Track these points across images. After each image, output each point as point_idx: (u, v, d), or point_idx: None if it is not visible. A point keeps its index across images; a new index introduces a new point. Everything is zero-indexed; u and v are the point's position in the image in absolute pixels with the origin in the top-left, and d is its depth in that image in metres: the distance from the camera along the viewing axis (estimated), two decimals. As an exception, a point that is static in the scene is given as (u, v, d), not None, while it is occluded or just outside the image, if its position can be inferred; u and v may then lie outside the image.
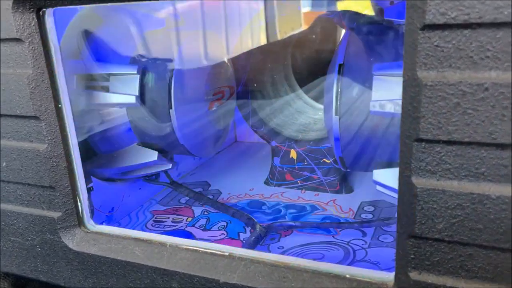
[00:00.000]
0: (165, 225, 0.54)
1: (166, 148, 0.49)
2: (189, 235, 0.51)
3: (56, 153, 0.40)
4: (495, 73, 0.24)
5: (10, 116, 0.39)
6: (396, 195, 0.37)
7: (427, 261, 0.29)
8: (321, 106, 0.67)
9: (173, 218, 0.56)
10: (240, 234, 0.51)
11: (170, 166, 0.50)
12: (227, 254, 0.37)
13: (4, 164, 0.42)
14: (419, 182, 0.27)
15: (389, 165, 0.40)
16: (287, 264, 0.35)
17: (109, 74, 0.45)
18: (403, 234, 0.29)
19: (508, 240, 0.25)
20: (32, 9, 0.36)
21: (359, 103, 0.38)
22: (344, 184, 0.60)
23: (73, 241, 0.42)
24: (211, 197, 0.60)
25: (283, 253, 0.46)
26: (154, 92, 0.45)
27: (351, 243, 0.47)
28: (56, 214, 0.42)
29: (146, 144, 0.49)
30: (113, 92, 0.44)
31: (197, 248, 0.38)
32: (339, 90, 0.38)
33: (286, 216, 0.54)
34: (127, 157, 0.49)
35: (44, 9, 0.36)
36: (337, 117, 0.39)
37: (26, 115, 0.39)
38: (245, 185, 0.64)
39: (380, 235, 0.49)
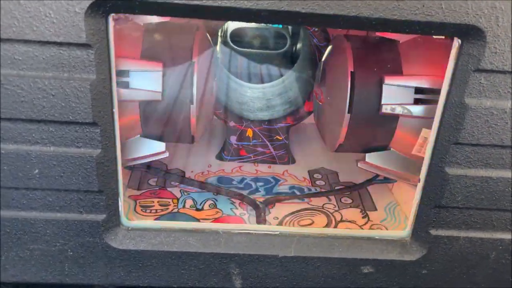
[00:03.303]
0: (156, 210, 0.56)
1: (171, 139, 0.51)
2: (190, 217, 0.54)
3: (108, 157, 0.39)
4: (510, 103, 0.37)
5: (59, 122, 0.37)
6: (383, 173, 0.50)
7: (442, 222, 0.43)
8: (248, 84, 0.75)
9: (158, 202, 0.58)
10: (234, 210, 0.57)
11: (167, 154, 0.52)
12: (278, 233, 0.44)
13: (37, 171, 0.39)
14: (450, 171, 0.40)
15: (372, 150, 0.52)
16: (330, 234, 0.45)
17: (129, 70, 0.44)
18: (428, 205, 0.42)
19: (501, 203, 0.41)
20: (103, 14, 0.34)
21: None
22: (290, 156, 0.70)
23: (116, 240, 0.43)
24: (177, 174, 0.63)
25: (280, 222, 0.55)
26: (176, 88, 0.46)
27: (325, 207, 0.59)
28: (100, 217, 0.41)
29: (151, 135, 0.50)
30: (138, 89, 0.44)
31: (250, 231, 0.44)
32: (353, 93, 0.47)
33: (259, 189, 0.62)
34: (133, 148, 0.49)
35: (111, 14, 0.35)
36: (349, 114, 0.48)
37: (82, 121, 0.37)
38: (200, 161, 0.69)
39: (340, 198, 0.61)
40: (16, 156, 0.38)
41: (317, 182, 0.66)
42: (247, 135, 0.68)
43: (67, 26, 0.34)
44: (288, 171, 0.69)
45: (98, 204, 0.41)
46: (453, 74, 0.38)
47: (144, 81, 0.45)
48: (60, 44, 0.34)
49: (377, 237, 0.45)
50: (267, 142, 0.69)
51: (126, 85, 0.45)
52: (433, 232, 0.43)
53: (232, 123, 0.67)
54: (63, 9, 0.33)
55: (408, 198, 0.59)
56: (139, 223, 0.44)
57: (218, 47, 0.76)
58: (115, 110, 0.38)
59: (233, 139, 0.68)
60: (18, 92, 0.36)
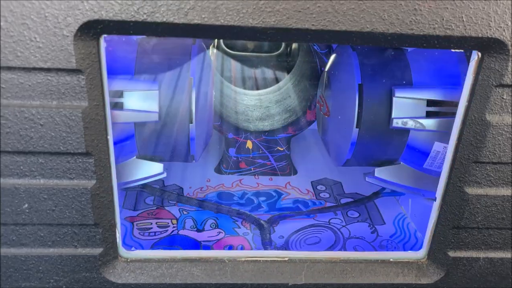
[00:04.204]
0: (155, 232, 0.53)
1: (169, 159, 0.48)
2: (190, 240, 0.52)
3: (103, 188, 0.36)
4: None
5: (50, 153, 0.34)
6: (393, 187, 0.47)
7: (461, 242, 0.40)
8: (243, 91, 0.72)
9: (157, 223, 0.55)
10: (237, 230, 0.54)
11: (165, 174, 0.49)
12: (287, 259, 0.42)
13: (26, 205, 0.35)
14: (470, 191, 0.38)
15: (380, 163, 0.50)
16: (341, 258, 0.42)
17: (123, 90, 0.41)
18: (446, 226, 0.40)
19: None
20: (94, 36, 0.31)
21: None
22: (291, 167, 0.67)
23: (114, 274, 0.40)
24: (175, 193, 0.60)
25: (286, 241, 0.52)
26: (174, 108, 0.43)
27: (331, 223, 0.57)
28: (97, 250, 0.38)
29: (147, 156, 0.47)
30: (134, 110, 0.41)
31: (257, 258, 0.41)
32: (361, 107, 0.45)
33: (262, 205, 0.59)
34: (129, 170, 0.46)
35: (103, 36, 0.32)
36: (357, 129, 0.45)
37: (74, 152, 0.34)
38: (198, 176, 0.66)
39: (347, 212, 0.59)
40: (3, 190, 0.35)
41: (322, 195, 0.64)
42: (246, 147, 0.65)
43: (55, 51, 0.30)
44: (290, 183, 0.66)
45: (94, 238, 0.38)
46: (472, 89, 0.35)
47: (140, 102, 0.42)
48: (48, 70, 0.31)
49: (391, 260, 0.42)
50: (268, 154, 0.66)
51: (120, 106, 0.42)
52: (452, 253, 0.41)
53: (230, 135, 0.64)
54: (50, 33, 0.30)
55: (418, 211, 0.57)
56: (138, 254, 0.41)
57: (210, 52, 0.73)
58: (110, 137, 0.35)
59: (232, 151, 0.65)
60: (3, 123, 0.32)
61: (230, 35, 0.31)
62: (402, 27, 0.31)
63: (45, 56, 0.31)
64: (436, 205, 0.41)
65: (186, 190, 0.62)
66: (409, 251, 0.44)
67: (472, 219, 0.39)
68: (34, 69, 0.31)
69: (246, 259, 0.42)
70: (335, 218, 0.58)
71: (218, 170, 0.67)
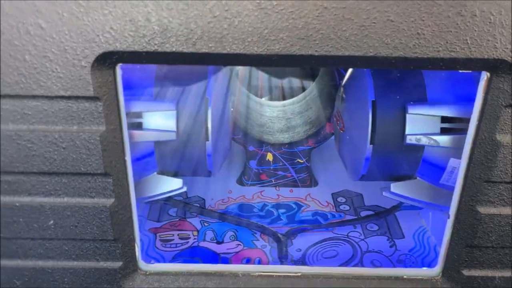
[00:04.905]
0: (176, 244, 0.55)
1: (188, 174, 0.50)
2: (210, 252, 0.53)
3: (122, 206, 0.38)
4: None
5: (72, 174, 0.36)
6: (410, 202, 0.47)
7: (475, 261, 0.40)
8: (267, 102, 0.73)
9: (178, 235, 0.57)
10: (255, 242, 0.55)
11: (185, 189, 0.51)
12: (300, 274, 0.43)
13: (52, 222, 0.38)
14: (482, 210, 0.37)
15: (397, 178, 0.50)
16: (355, 274, 0.42)
17: (142, 111, 0.43)
18: (460, 244, 0.39)
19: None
20: (110, 65, 0.33)
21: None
22: (312, 179, 0.68)
23: (133, 286, 0.42)
24: (197, 205, 0.62)
25: (303, 254, 0.53)
26: (191, 126, 0.45)
27: (350, 236, 0.57)
28: (116, 264, 0.40)
29: (167, 172, 0.49)
30: (153, 130, 0.43)
31: (270, 273, 0.43)
32: (374, 123, 0.45)
33: (282, 217, 0.60)
34: (149, 186, 0.48)
35: (118, 64, 0.34)
36: (371, 145, 0.46)
37: (94, 172, 0.36)
38: (220, 187, 0.67)
39: (366, 225, 0.59)
40: (31, 208, 0.38)
41: (341, 207, 0.64)
42: (267, 159, 0.67)
43: (74, 80, 0.33)
44: (311, 195, 0.67)
45: (114, 252, 0.40)
46: (482, 109, 0.35)
47: (158, 121, 0.44)
48: (68, 97, 0.33)
49: (405, 277, 0.43)
50: (288, 166, 0.67)
51: (139, 126, 0.44)
52: (466, 272, 0.40)
53: (251, 148, 0.66)
54: (69, 64, 0.32)
55: (439, 225, 0.56)
56: (156, 267, 0.43)
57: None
58: (127, 158, 0.38)
59: (253, 163, 0.67)
60: (29, 146, 0.35)
61: (236, 62, 0.33)
62: (406, 50, 0.32)
63: (66, 85, 0.33)
64: (449, 223, 0.40)
65: (208, 202, 0.64)
66: (424, 268, 0.43)
67: (486, 238, 0.38)
68: (56, 97, 0.33)
69: (260, 274, 0.43)
70: (354, 231, 0.58)
71: (240, 181, 0.68)
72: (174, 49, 0.32)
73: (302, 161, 0.66)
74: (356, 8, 0.31)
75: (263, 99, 0.74)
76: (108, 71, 0.33)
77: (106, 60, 0.33)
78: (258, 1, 0.30)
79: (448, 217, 0.40)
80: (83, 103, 0.34)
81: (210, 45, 0.32)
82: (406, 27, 0.31)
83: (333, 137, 0.67)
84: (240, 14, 0.31)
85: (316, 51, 0.32)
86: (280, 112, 0.72)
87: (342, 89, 0.55)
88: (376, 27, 0.31)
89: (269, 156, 0.67)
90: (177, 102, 0.44)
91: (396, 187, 0.48)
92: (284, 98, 0.74)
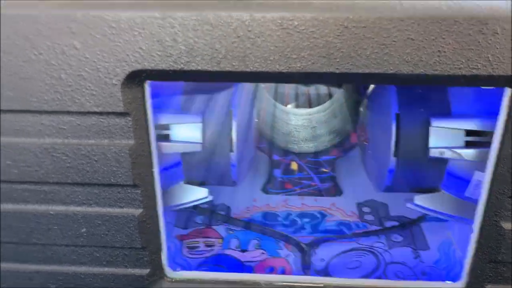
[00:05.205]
0: (202, 251, 0.56)
1: (213, 184, 0.51)
2: (234, 260, 0.54)
3: (149, 216, 0.40)
4: None
5: (103, 185, 0.38)
6: (434, 215, 0.47)
7: (500, 277, 0.40)
8: (293, 110, 0.73)
9: (204, 242, 0.58)
10: (279, 251, 0.56)
11: (210, 198, 0.52)
12: (322, 285, 0.43)
13: (84, 230, 0.40)
14: (506, 226, 0.37)
15: (421, 190, 0.50)
16: (378, 286, 0.43)
17: (169, 123, 0.45)
18: (483, 259, 0.39)
19: None
20: (139, 83, 0.35)
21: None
22: (337, 188, 0.68)
23: (160, 293, 0.43)
24: (223, 213, 0.63)
25: (326, 264, 0.53)
26: (216, 137, 0.46)
27: (374, 247, 0.57)
28: (144, 271, 0.42)
29: (193, 181, 0.50)
30: (179, 142, 0.45)
31: (292, 284, 0.43)
32: (398, 136, 0.45)
33: (305, 227, 0.61)
34: (176, 195, 0.50)
35: (147, 81, 0.35)
36: (395, 158, 0.46)
37: (123, 184, 0.38)
38: (245, 195, 0.68)
39: (390, 235, 0.59)
40: (65, 216, 0.40)
41: (366, 217, 0.64)
42: (291, 168, 0.67)
43: (106, 97, 0.35)
44: (335, 204, 0.67)
45: (142, 259, 0.42)
46: (506, 124, 0.35)
47: (185, 133, 0.45)
48: (100, 113, 0.35)
49: (429, 291, 0.43)
50: (313, 175, 0.67)
51: (167, 138, 0.45)
52: (489, 286, 0.40)
53: (276, 157, 0.67)
54: (101, 82, 0.34)
55: (465, 238, 0.56)
56: (182, 274, 0.44)
57: None
58: (155, 169, 0.39)
59: (277, 172, 0.68)
60: (64, 159, 0.37)
61: (259, 80, 0.34)
62: (427, 68, 0.32)
63: (97, 101, 0.35)
64: (473, 237, 0.40)
65: (233, 210, 0.65)
66: (448, 282, 0.43)
67: (509, 253, 0.38)
68: (89, 112, 0.35)
69: (282, 284, 0.43)
70: (378, 242, 0.58)
71: (265, 190, 0.69)
72: (199, 68, 0.33)
73: (327, 171, 0.67)
74: (376, 27, 0.31)
75: (289, 106, 0.75)
76: (137, 88, 0.35)
77: (136, 78, 0.34)
78: (280, 22, 0.31)
79: (472, 232, 0.40)
80: (114, 118, 0.36)
81: (234, 63, 0.33)
82: (426, 45, 0.31)
83: (357, 147, 0.67)
84: (262, 34, 0.32)
85: (337, 68, 0.32)
86: (305, 120, 0.73)
87: (365, 100, 0.55)
88: (396, 45, 0.32)
89: (294, 165, 0.67)
90: (203, 114, 0.46)
91: (420, 200, 0.48)
92: (310, 105, 0.75)
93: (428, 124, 0.44)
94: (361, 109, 0.59)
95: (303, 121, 0.73)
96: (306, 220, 0.63)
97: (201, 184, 0.52)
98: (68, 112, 0.36)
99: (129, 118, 0.36)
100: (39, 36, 0.33)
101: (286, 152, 0.67)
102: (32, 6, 0.33)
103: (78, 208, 0.39)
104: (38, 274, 0.43)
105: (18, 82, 0.34)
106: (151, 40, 0.33)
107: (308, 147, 0.68)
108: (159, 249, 0.42)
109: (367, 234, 0.59)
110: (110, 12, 0.32)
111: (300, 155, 0.66)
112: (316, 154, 0.67)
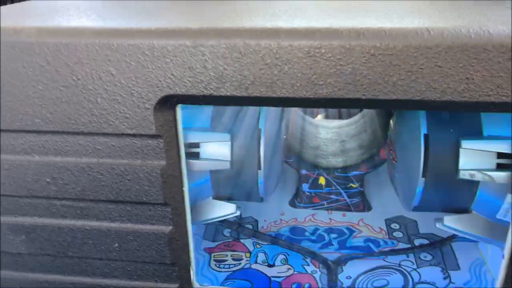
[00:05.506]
0: (229, 265, 0.57)
1: (241, 199, 0.52)
2: (261, 274, 0.55)
3: (179, 233, 0.41)
4: None
5: (135, 203, 0.40)
6: (465, 236, 0.46)
7: (532, 304, 0.39)
8: (322, 123, 0.73)
9: (231, 255, 0.59)
10: (306, 267, 0.56)
11: (238, 213, 0.53)
12: (347, 305, 0.43)
13: (117, 245, 0.42)
14: (539, 253, 0.36)
15: (451, 210, 0.49)
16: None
17: (199, 142, 0.46)
18: (515, 285, 0.38)
19: None
20: (171, 106, 0.36)
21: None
22: (365, 204, 0.68)
23: (189, 307, 0.45)
24: (250, 227, 0.64)
25: (353, 282, 0.53)
26: (244, 155, 0.47)
27: (402, 265, 0.56)
28: (173, 286, 0.43)
29: (221, 196, 0.51)
30: (208, 159, 0.46)
31: (318, 302, 0.44)
32: (427, 157, 0.45)
33: (333, 242, 0.61)
34: (205, 210, 0.51)
35: (178, 105, 0.37)
36: (423, 178, 0.46)
37: (154, 202, 0.39)
38: (273, 209, 0.69)
39: (419, 254, 0.58)
40: (99, 231, 0.42)
41: (395, 234, 0.63)
42: (319, 182, 0.68)
43: (139, 120, 0.36)
44: (363, 220, 0.67)
45: (171, 274, 0.43)
46: (538, 150, 0.34)
47: (214, 151, 0.46)
48: (133, 135, 0.37)
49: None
50: (341, 190, 0.67)
51: (196, 156, 0.47)
52: (521, 314, 0.39)
53: (304, 171, 0.67)
54: (135, 106, 0.36)
55: (497, 258, 0.54)
56: (210, 289, 0.46)
57: None
58: (185, 188, 0.40)
59: (305, 186, 0.68)
60: (99, 177, 0.39)
61: (286, 105, 0.34)
62: (454, 95, 0.32)
63: (131, 124, 0.36)
64: (504, 262, 0.39)
65: (261, 223, 0.66)
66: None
67: (543, 282, 0.37)
68: (123, 134, 0.37)
69: (308, 302, 0.44)
70: (406, 260, 0.57)
71: (293, 204, 0.70)
72: (228, 93, 0.34)
73: (355, 186, 0.67)
74: (403, 55, 0.31)
75: (318, 116, 0.75)
76: (169, 111, 0.36)
77: (167, 102, 0.36)
78: (307, 50, 0.32)
79: (503, 257, 0.39)
80: (146, 140, 0.37)
81: (261, 89, 0.34)
82: (454, 73, 0.31)
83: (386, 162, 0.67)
84: (289, 61, 0.33)
85: (363, 95, 0.33)
86: (334, 134, 0.73)
87: (394, 118, 0.55)
88: (423, 73, 0.32)
89: (322, 180, 0.67)
90: (232, 132, 0.47)
91: (450, 220, 0.48)
92: (340, 116, 0.75)
93: (458, 146, 0.44)
94: (391, 124, 0.59)
95: (332, 135, 0.73)
96: (334, 235, 0.63)
97: (228, 199, 0.52)
98: (104, 134, 0.37)
99: (161, 140, 0.37)
100: (78, 63, 0.35)
101: (314, 167, 0.67)
102: (72, 35, 0.35)
103: (112, 224, 0.41)
104: (73, 286, 0.45)
105: (59, 105, 0.37)
106: (182, 67, 0.34)
107: (337, 161, 0.68)
108: (187, 265, 0.43)
109: (395, 252, 0.58)
110: (144, 40, 0.34)
111: (328, 170, 0.66)
112: (345, 169, 0.66)
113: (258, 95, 0.34)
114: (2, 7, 0.48)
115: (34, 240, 0.43)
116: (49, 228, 0.42)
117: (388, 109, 0.35)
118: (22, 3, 0.51)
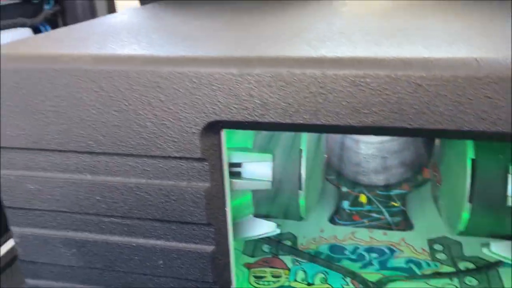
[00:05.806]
0: (269, 282, 0.58)
1: (280, 217, 0.53)
2: (300, 293, 0.55)
3: (221, 252, 0.42)
4: None
5: (179, 222, 0.41)
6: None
7: None
8: (364, 139, 0.72)
9: (271, 272, 0.60)
10: (345, 287, 0.56)
11: (278, 231, 0.53)
12: (389, 331, 0.43)
13: (161, 262, 0.43)
14: None
15: (499, 236, 0.48)
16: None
17: (242, 162, 0.47)
18: None
19: None
20: (216, 131, 0.37)
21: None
22: (407, 223, 0.67)
23: (228, 325, 0.45)
24: (289, 243, 0.64)
25: (394, 305, 0.53)
26: (285, 176, 0.48)
27: (445, 289, 0.55)
28: (214, 304, 0.44)
29: (262, 215, 0.52)
30: (250, 179, 0.47)
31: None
32: (474, 182, 0.44)
33: (373, 262, 0.60)
34: (246, 227, 0.52)
35: (223, 130, 0.38)
36: (470, 203, 0.45)
37: (198, 222, 0.40)
38: (312, 225, 0.69)
39: (464, 278, 0.57)
40: (145, 248, 0.43)
41: (438, 256, 0.62)
42: (360, 200, 0.67)
43: (186, 144, 0.37)
44: (405, 240, 0.65)
45: (213, 293, 0.44)
46: None
47: (256, 171, 0.47)
48: (180, 158, 0.38)
49: None
50: (382, 209, 0.67)
51: (238, 175, 0.48)
52: None
53: (344, 188, 0.67)
54: (182, 130, 0.37)
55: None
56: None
57: None
58: (228, 209, 0.41)
59: (346, 204, 0.68)
60: (146, 197, 0.41)
61: (330, 131, 0.35)
62: (505, 126, 0.31)
63: (178, 147, 0.38)
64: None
65: (300, 240, 0.66)
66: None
67: None
68: (170, 157, 0.38)
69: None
70: (450, 284, 0.56)
71: (332, 220, 0.69)
72: (272, 120, 0.35)
73: (397, 205, 0.66)
74: (450, 85, 0.31)
75: None
76: (214, 136, 0.38)
77: (213, 127, 0.37)
78: (352, 79, 0.32)
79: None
80: (192, 163, 0.38)
81: (305, 116, 0.34)
82: (505, 104, 0.31)
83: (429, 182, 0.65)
84: (334, 90, 0.33)
85: (409, 124, 0.32)
86: (375, 149, 0.72)
87: (440, 140, 0.54)
88: (472, 103, 0.31)
89: (363, 198, 0.67)
90: (274, 153, 0.48)
91: (497, 246, 0.46)
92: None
93: (506, 171, 0.42)
94: (436, 145, 0.58)
95: (373, 150, 0.72)
96: (374, 255, 0.62)
97: (266, 216, 0.53)
98: (152, 156, 0.39)
99: (206, 163, 0.38)
100: (129, 90, 0.36)
101: (355, 184, 0.67)
102: (124, 62, 0.36)
103: (157, 242, 0.43)
104: (119, 299, 0.46)
105: (110, 128, 0.38)
106: (228, 94, 0.35)
107: (378, 179, 0.67)
108: (228, 283, 0.44)
109: (438, 275, 0.57)
110: (192, 68, 0.35)
111: (369, 188, 0.66)
112: (387, 187, 0.66)
113: (302, 122, 0.34)
114: (51, 31, 0.51)
115: (84, 254, 0.45)
116: (98, 243, 0.44)
117: (434, 137, 0.35)
118: (69, 26, 0.53)
